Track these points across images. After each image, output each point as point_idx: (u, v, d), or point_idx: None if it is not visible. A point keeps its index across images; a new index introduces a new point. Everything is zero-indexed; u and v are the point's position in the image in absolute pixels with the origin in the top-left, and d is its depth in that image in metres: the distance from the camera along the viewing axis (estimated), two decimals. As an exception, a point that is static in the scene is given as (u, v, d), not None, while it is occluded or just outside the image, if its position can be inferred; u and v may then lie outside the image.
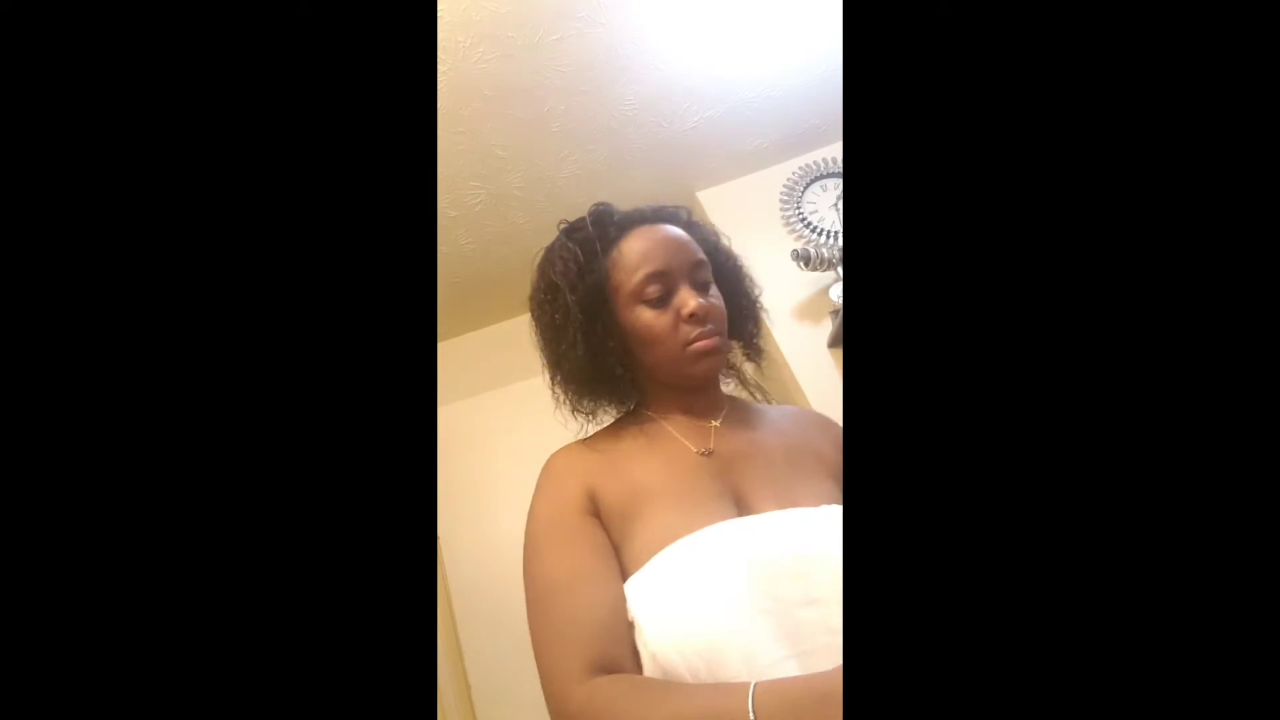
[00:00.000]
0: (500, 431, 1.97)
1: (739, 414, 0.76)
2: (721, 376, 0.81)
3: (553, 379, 0.76)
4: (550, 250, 0.77)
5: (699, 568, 0.56)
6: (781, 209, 1.83)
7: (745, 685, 0.47)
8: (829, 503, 0.64)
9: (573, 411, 0.77)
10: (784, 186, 1.84)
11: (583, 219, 0.77)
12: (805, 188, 1.84)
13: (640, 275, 0.71)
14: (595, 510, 0.66)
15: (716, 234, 0.82)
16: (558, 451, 0.74)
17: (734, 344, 0.81)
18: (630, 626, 0.57)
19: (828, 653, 0.51)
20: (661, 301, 0.70)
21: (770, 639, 0.52)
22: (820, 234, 1.79)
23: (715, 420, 0.74)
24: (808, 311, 1.72)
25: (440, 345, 2.14)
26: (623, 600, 0.59)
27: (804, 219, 1.81)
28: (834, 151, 1.86)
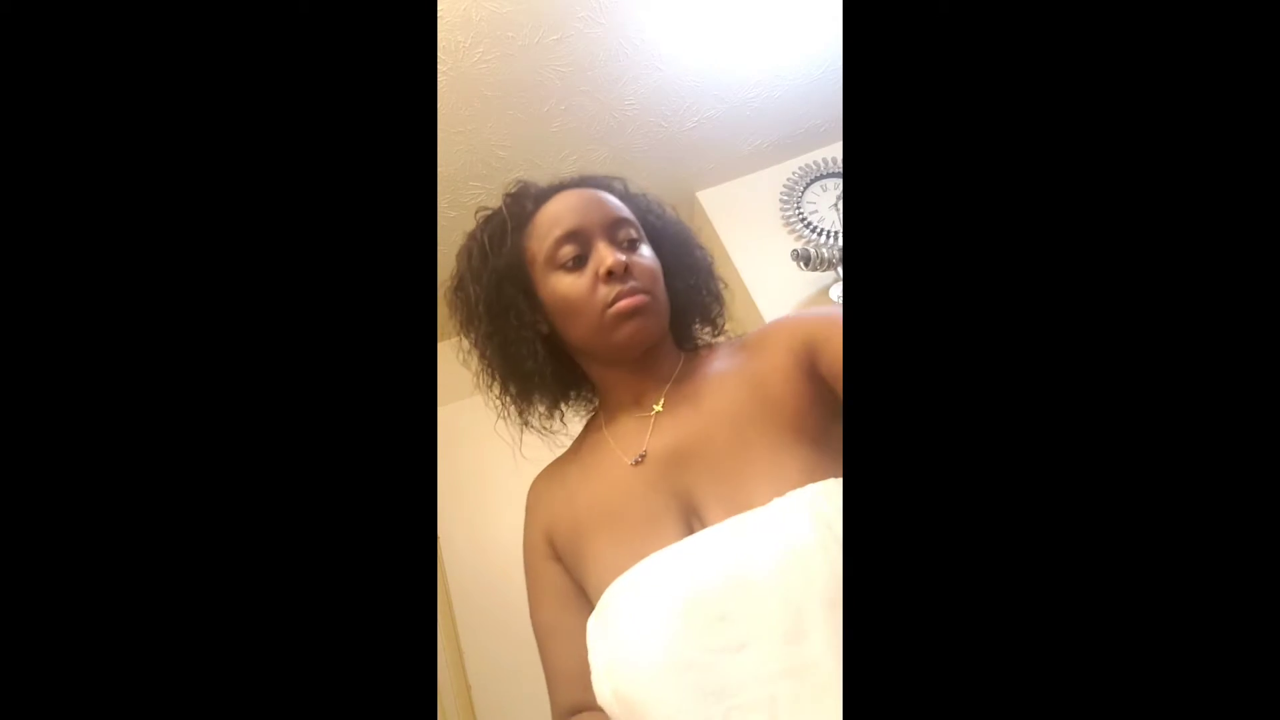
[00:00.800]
0: (500, 431, 1.96)
1: (689, 382, 0.65)
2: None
3: (488, 388, 0.69)
4: (461, 245, 0.70)
5: (636, 612, 0.52)
6: (781, 209, 1.83)
7: None
8: (783, 484, 0.53)
9: (513, 420, 0.69)
10: (784, 186, 1.84)
11: (499, 205, 0.69)
12: (805, 188, 1.84)
13: (551, 238, 0.63)
14: (554, 553, 0.64)
15: (661, 205, 0.74)
16: (534, 481, 0.69)
17: (694, 322, 0.72)
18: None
19: (756, 707, 0.46)
20: (579, 262, 0.62)
21: (695, 698, 0.48)
22: (820, 234, 1.79)
23: (658, 403, 0.64)
24: (808, 311, 1.71)
25: (440, 345, 2.14)
26: (584, 648, 0.57)
27: (804, 219, 1.81)
28: (834, 151, 1.86)
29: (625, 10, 1.32)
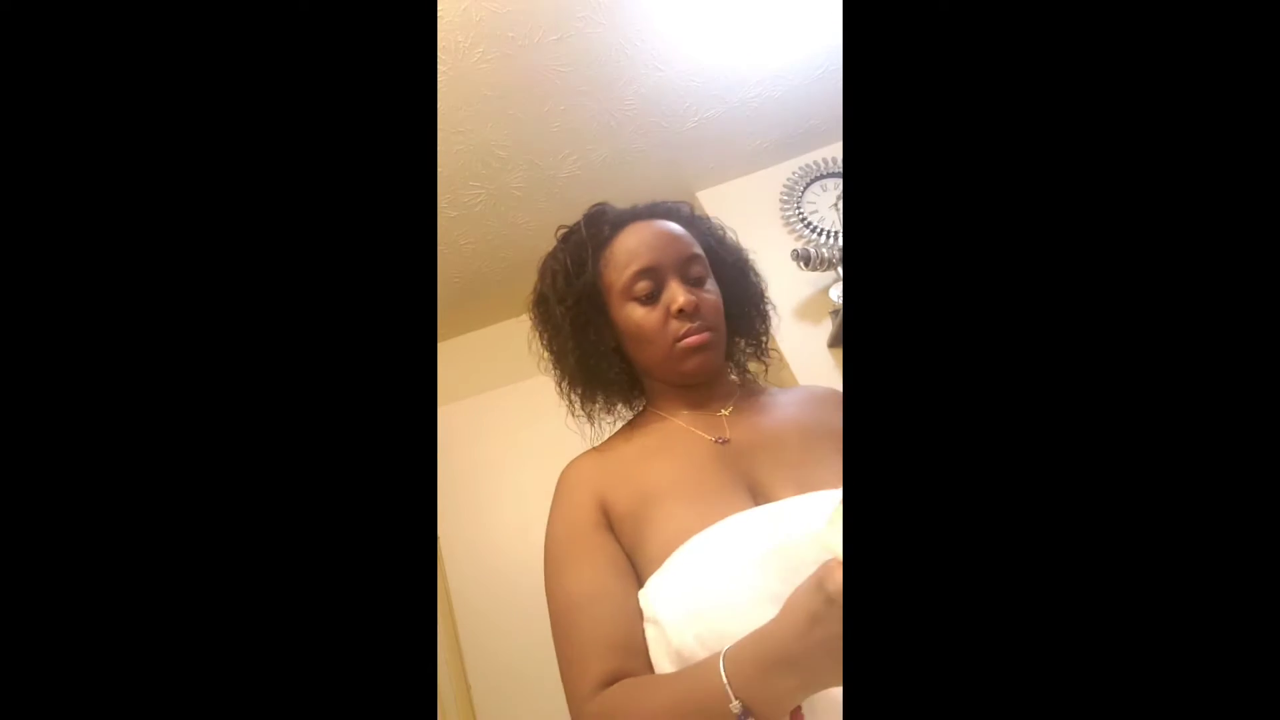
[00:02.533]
0: (500, 431, 1.97)
1: (749, 401, 0.74)
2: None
3: (559, 384, 0.77)
4: (544, 260, 0.78)
5: (717, 562, 0.56)
6: (781, 209, 1.83)
7: (717, 655, 0.48)
8: None
9: (578, 413, 0.77)
10: (784, 186, 1.84)
11: (578, 223, 0.76)
12: (805, 187, 1.84)
13: (629, 273, 0.70)
14: (607, 522, 0.66)
15: (722, 229, 0.81)
16: (570, 463, 0.74)
17: (738, 340, 0.80)
18: (645, 633, 0.58)
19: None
20: (652, 298, 0.70)
21: None
22: (820, 234, 1.79)
23: (725, 410, 0.72)
24: (808, 311, 1.71)
25: (440, 345, 2.14)
26: (636, 613, 0.59)
27: (804, 219, 1.81)
28: (834, 151, 1.86)
29: (625, 10, 1.31)
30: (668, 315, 0.69)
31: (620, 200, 0.81)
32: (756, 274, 0.82)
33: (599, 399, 0.77)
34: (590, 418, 0.78)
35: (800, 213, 1.81)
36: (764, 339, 0.82)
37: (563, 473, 0.73)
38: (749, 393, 0.76)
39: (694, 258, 0.72)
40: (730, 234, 0.82)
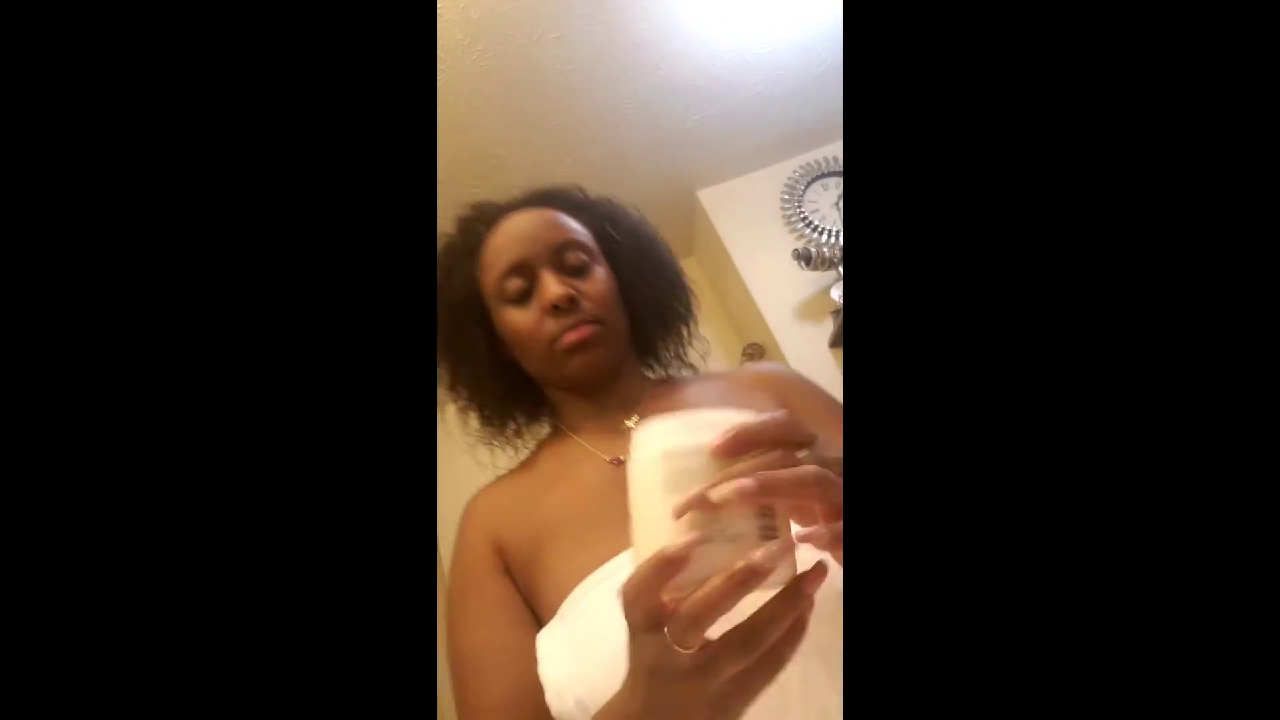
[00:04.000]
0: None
1: (662, 403, 0.63)
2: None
3: (442, 408, 0.69)
4: None
5: (605, 609, 0.48)
6: (782, 208, 1.83)
7: None
8: None
9: (474, 441, 0.70)
10: (785, 185, 1.84)
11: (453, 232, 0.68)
12: (806, 187, 1.84)
13: (495, 272, 0.62)
14: (504, 565, 0.59)
15: (621, 208, 0.71)
16: (472, 498, 0.66)
17: (653, 330, 0.69)
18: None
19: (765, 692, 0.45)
20: (525, 296, 0.61)
21: None
22: (821, 233, 1.78)
23: (631, 420, 0.62)
24: (808, 311, 1.71)
25: (440, 345, 2.13)
26: (532, 666, 0.51)
27: (805, 218, 1.80)
28: (835, 150, 1.86)
29: (625, 9, 1.31)
30: (542, 314, 0.60)
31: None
32: (667, 251, 0.71)
33: (493, 420, 0.69)
34: (496, 443, 0.70)
35: (801, 212, 1.81)
36: (686, 325, 0.71)
37: (464, 511, 0.65)
38: (664, 392, 0.66)
39: (568, 244, 0.63)
40: (632, 211, 0.72)
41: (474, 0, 1.22)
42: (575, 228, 0.65)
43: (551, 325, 0.60)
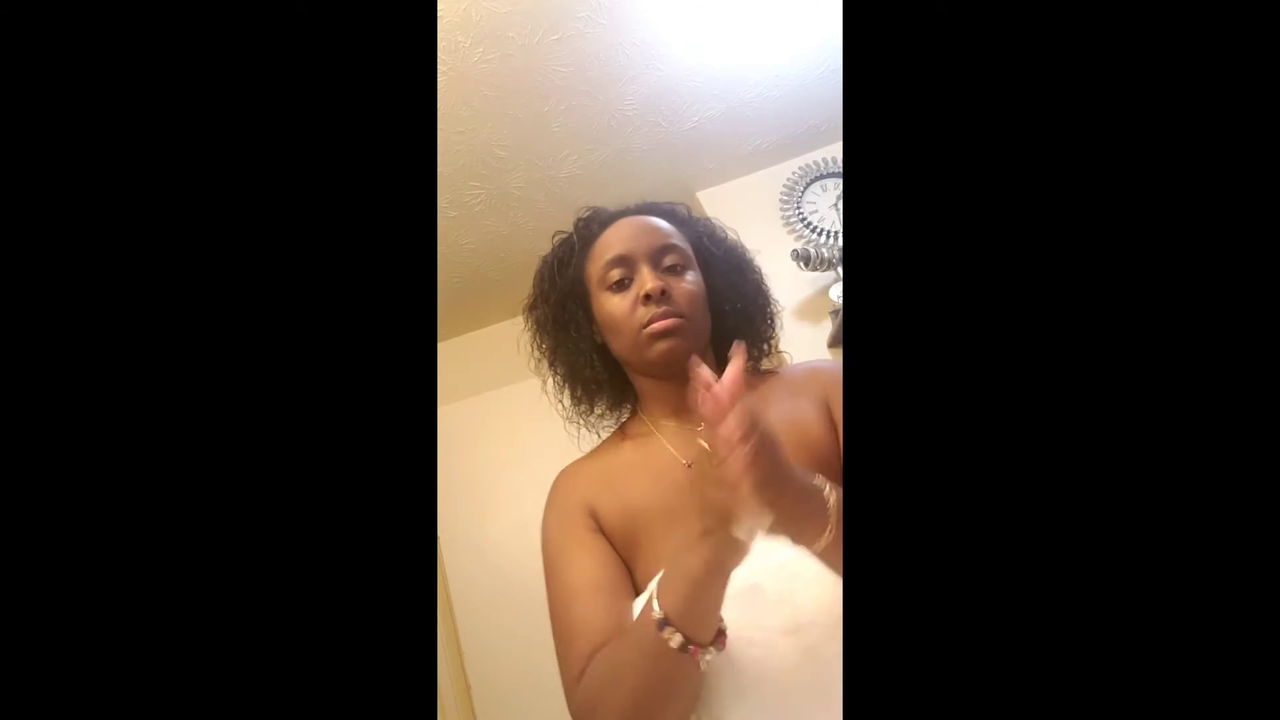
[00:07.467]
0: (500, 431, 1.97)
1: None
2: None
3: (544, 385, 0.79)
4: (539, 264, 0.80)
5: None
6: (781, 209, 1.83)
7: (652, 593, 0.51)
8: None
9: (567, 416, 0.79)
10: (784, 186, 1.84)
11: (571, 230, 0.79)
12: (805, 188, 1.84)
13: (602, 262, 0.71)
14: (599, 527, 0.68)
15: (722, 229, 0.81)
16: (562, 471, 0.75)
17: (740, 344, 0.78)
18: None
19: (807, 682, 0.54)
20: (623, 285, 0.70)
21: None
22: (820, 234, 1.78)
23: (699, 425, 0.71)
24: (808, 311, 1.71)
25: (440, 345, 2.14)
26: (629, 604, 0.61)
27: (804, 219, 1.80)
28: (834, 151, 1.86)
29: (625, 10, 1.31)
30: (636, 302, 0.69)
31: (620, 201, 0.81)
32: (758, 273, 0.81)
33: (583, 401, 0.78)
34: (582, 421, 0.79)
35: (800, 213, 1.81)
36: (768, 341, 0.81)
37: (555, 479, 0.74)
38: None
39: (669, 247, 0.72)
40: (730, 234, 0.82)
41: (475, 2, 1.22)
42: (676, 234, 0.74)
43: (642, 312, 0.68)
